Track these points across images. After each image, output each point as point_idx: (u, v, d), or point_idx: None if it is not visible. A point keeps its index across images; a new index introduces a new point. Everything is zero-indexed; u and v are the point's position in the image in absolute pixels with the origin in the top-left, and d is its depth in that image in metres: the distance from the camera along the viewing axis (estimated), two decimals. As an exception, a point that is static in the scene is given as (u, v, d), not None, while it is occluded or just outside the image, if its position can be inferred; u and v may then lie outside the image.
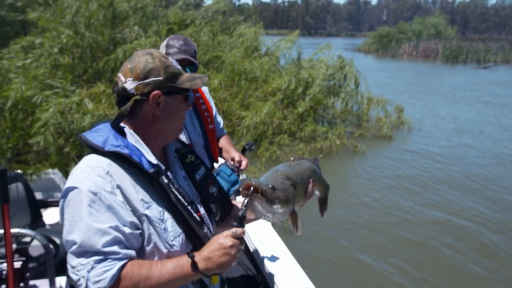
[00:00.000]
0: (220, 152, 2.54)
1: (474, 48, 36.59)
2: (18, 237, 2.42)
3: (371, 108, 10.82)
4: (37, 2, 7.94)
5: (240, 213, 1.28)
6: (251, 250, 2.70)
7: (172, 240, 1.29)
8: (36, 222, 2.91)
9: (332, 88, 10.45)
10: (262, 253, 2.56)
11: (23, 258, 2.17)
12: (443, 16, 51.05)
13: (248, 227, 2.82)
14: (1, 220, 1.93)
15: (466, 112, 13.91)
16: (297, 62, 10.89)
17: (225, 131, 2.64)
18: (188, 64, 2.22)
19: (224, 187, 2.13)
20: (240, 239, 1.26)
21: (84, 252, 1.16)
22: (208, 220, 1.45)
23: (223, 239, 1.24)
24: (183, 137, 2.26)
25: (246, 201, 1.29)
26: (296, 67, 10.50)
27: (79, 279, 1.16)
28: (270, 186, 1.35)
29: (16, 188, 2.83)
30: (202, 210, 1.45)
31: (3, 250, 2.24)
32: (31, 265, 2.30)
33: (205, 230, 1.38)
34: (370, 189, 7.16)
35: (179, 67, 1.37)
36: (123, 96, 1.31)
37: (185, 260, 1.24)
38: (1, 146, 5.03)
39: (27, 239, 2.50)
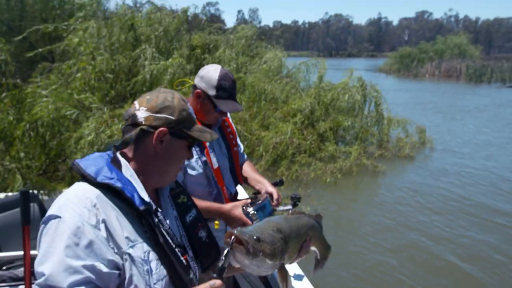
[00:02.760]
0: (243, 178, 2.52)
1: (499, 67, 36.01)
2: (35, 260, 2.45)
3: (391, 128, 10.78)
4: (63, 29, 8.29)
5: (220, 264, 1.19)
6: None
7: (155, 284, 1.22)
8: None
9: (352, 109, 10.48)
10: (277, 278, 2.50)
11: None
12: (466, 35, 50.53)
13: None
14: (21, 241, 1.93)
15: (490, 131, 13.68)
16: (318, 84, 11.00)
17: (245, 156, 2.65)
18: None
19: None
20: None
21: (49, 287, 1.09)
22: (195, 265, 1.40)
23: None
24: (213, 159, 2.25)
25: (226, 251, 1.21)
26: (316, 89, 10.60)
27: None
28: (254, 237, 1.26)
29: (31, 209, 2.86)
30: (190, 253, 1.39)
31: (20, 271, 2.23)
32: None
33: (191, 275, 1.32)
34: (390, 210, 7.08)
35: (194, 116, 1.37)
36: (130, 122, 1.30)
37: None
38: (27, 164, 5.23)
39: None
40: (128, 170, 1.27)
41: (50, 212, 1.16)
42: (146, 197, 1.25)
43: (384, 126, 10.66)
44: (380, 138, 10.62)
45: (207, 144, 2.24)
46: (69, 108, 6.27)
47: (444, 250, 5.68)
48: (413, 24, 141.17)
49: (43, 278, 1.09)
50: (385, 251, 5.61)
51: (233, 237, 1.22)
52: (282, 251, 1.35)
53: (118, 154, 1.29)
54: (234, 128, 2.54)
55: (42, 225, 1.16)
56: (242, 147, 2.62)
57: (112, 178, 1.20)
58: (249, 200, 2.06)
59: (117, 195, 1.20)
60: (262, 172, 8.37)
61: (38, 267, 1.11)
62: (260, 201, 2.11)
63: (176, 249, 1.29)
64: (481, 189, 8.18)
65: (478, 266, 5.24)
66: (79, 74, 7.07)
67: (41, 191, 4.38)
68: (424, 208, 7.18)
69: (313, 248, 1.71)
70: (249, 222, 2.00)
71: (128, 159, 1.30)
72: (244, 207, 1.99)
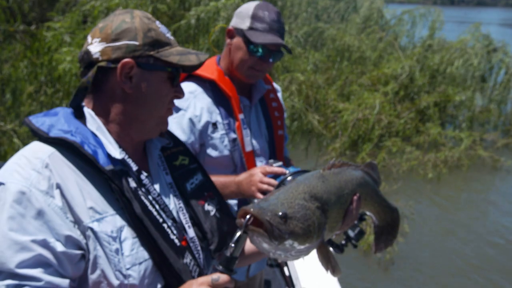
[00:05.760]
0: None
1: None
2: None
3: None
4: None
5: (228, 253, 1.15)
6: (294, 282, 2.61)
7: (128, 269, 1.18)
8: None
9: (470, 79, 9.92)
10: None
11: None
12: None
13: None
14: None
15: None
16: (425, 42, 10.50)
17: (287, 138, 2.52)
18: (277, 50, 2.11)
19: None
20: None
21: None
22: (199, 248, 1.36)
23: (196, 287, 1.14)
24: (246, 138, 2.15)
25: (237, 236, 1.16)
26: (421, 49, 10.14)
27: None
28: (279, 214, 1.18)
29: None
30: (191, 233, 1.35)
31: None
32: None
33: (186, 260, 1.27)
34: (509, 220, 6.65)
35: (169, 36, 1.32)
36: (85, 62, 1.27)
37: None
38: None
39: None
40: (94, 122, 1.26)
41: None
42: (117, 154, 1.24)
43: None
44: (508, 121, 10.09)
45: (241, 116, 2.13)
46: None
47: None
48: None
49: None
50: (494, 277, 5.26)
51: (248, 216, 1.15)
52: (319, 226, 1.28)
53: (83, 105, 1.29)
54: (283, 105, 2.42)
55: None
56: (287, 136, 2.50)
57: (68, 132, 1.19)
58: (271, 161, 1.98)
59: (78, 153, 1.19)
60: (336, 158, 8.24)
61: None
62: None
63: (165, 225, 1.26)
64: None
65: None
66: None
67: None
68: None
69: (367, 212, 1.65)
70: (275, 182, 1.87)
71: (95, 110, 1.29)
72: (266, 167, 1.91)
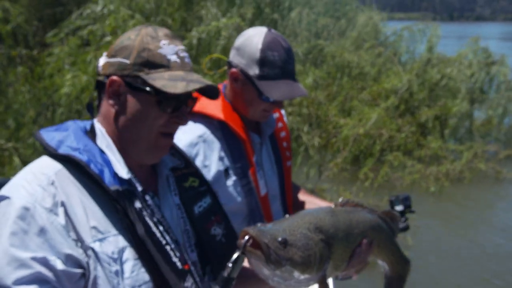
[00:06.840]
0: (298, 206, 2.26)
1: None
2: None
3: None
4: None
5: (225, 273, 1.16)
6: None
7: None
8: None
9: (471, 92, 9.90)
10: None
11: None
12: None
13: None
14: None
15: None
16: (424, 57, 10.52)
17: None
18: None
19: None
20: None
21: None
22: (200, 271, 1.36)
23: None
24: (260, 182, 2.00)
25: (235, 256, 1.16)
26: (421, 63, 10.17)
27: None
28: (279, 239, 1.18)
29: None
30: (194, 257, 1.35)
31: None
32: None
33: (187, 283, 1.26)
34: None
35: (172, 57, 1.27)
36: (97, 74, 1.31)
37: None
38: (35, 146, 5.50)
39: None
40: (104, 139, 1.27)
41: (0, 192, 1.19)
42: (125, 173, 1.24)
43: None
44: (510, 133, 10.04)
45: (254, 158, 1.97)
46: (92, 80, 6.46)
47: None
48: None
49: None
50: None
51: (247, 237, 1.16)
52: (321, 258, 1.27)
53: (95, 121, 1.30)
54: (288, 129, 2.28)
55: None
56: None
57: (76, 149, 1.20)
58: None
59: (84, 171, 1.20)
60: (337, 173, 8.23)
61: None
62: None
63: (167, 247, 1.26)
64: None
65: None
66: (109, 38, 7.25)
67: None
68: None
69: (379, 261, 1.61)
70: None
71: (103, 126, 1.30)
72: None
